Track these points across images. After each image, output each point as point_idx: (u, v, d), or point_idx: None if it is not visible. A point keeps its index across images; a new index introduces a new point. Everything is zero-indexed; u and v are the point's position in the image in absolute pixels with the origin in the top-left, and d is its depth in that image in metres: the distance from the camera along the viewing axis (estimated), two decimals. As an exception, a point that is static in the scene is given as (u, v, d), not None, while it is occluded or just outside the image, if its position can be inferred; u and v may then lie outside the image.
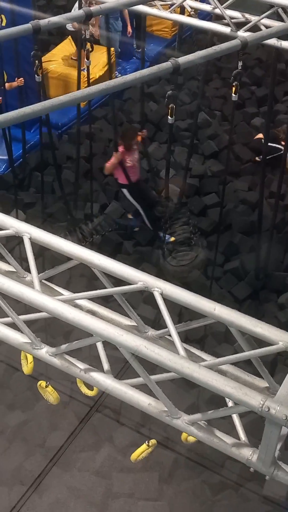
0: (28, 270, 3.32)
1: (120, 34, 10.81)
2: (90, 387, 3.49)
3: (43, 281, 3.35)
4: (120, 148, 7.33)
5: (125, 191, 7.65)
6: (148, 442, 3.70)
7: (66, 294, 3.38)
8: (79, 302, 3.40)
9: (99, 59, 9.90)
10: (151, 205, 7.68)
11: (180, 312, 6.35)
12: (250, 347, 2.92)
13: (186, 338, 6.50)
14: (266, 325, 2.86)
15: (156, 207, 7.63)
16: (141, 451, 3.74)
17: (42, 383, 3.79)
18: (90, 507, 5.40)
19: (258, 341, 2.94)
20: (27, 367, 3.54)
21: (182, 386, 6.05)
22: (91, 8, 5.18)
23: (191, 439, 3.59)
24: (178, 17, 6.19)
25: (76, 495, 5.47)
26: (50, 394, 3.75)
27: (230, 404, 2.94)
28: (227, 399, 2.93)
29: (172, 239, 7.55)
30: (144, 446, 3.71)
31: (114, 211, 8.27)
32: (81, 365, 3.17)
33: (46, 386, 3.77)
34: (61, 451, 5.70)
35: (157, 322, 6.24)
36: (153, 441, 3.74)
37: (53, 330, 6.42)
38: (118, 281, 3.18)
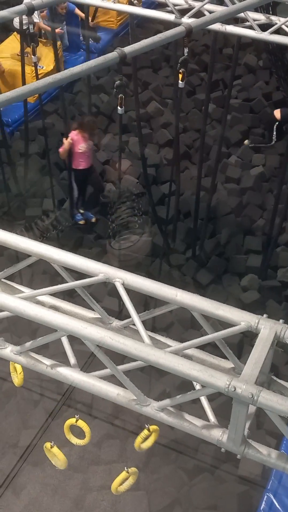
0: (-15, 270, 3.27)
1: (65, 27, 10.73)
2: (80, 436, 3.44)
3: (2, 280, 3.31)
4: (73, 135, 7.39)
5: (72, 175, 7.78)
6: (127, 469, 3.64)
7: (27, 291, 3.35)
8: (41, 298, 3.37)
9: (47, 54, 9.80)
10: (95, 193, 7.96)
11: (146, 302, 6.38)
12: (214, 330, 2.95)
13: (153, 327, 6.54)
14: (228, 307, 2.89)
15: (100, 195, 7.91)
16: (121, 479, 3.67)
17: (47, 444, 3.67)
18: (66, 502, 5.41)
19: (223, 325, 2.97)
20: (17, 378, 3.48)
21: (151, 375, 6.08)
22: (32, 1, 5.11)
23: (144, 446, 3.60)
24: (121, 6, 6.17)
25: (51, 490, 5.47)
26: (56, 456, 3.63)
27: (197, 387, 2.96)
28: (194, 383, 2.96)
29: (82, 221, 7.93)
30: (124, 474, 3.65)
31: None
32: (47, 361, 3.15)
33: (51, 447, 3.64)
34: (31, 448, 5.67)
35: (122, 313, 6.26)
36: (133, 469, 3.65)
37: (18, 329, 6.37)
38: (81, 275, 3.17)
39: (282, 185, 7.04)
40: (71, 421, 3.39)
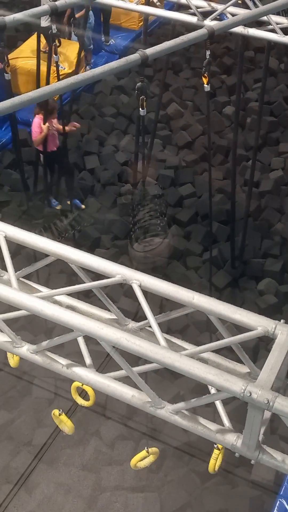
0: (5, 268, 3.30)
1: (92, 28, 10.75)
2: (85, 397, 3.48)
3: (20, 279, 3.34)
4: (39, 119, 7.49)
5: (43, 158, 7.87)
6: (148, 449, 3.69)
7: (45, 291, 3.37)
8: (58, 298, 3.39)
9: (71, 54, 9.84)
10: (69, 177, 8.05)
11: (161, 304, 6.38)
12: (230, 334, 2.94)
13: (168, 329, 6.54)
14: (245, 311, 2.88)
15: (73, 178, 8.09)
16: (140, 457, 3.73)
17: (56, 411, 3.75)
18: (78, 501, 5.42)
19: (239, 328, 2.96)
20: (13, 359, 3.52)
21: (166, 377, 6.08)
22: (56, 2, 5.14)
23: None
24: (143, 8, 6.17)
25: (64, 490, 5.48)
26: (64, 423, 3.71)
27: (212, 391, 2.96)
28: (209, 387, 2.95)
29: (59, 206, 8.06)
30: (143, 453, 3.71)
31: (90, 206, 8.26)
32: (63, 361, 3.17)
33: (60, 415, 3.72)
34: (46, 447, 5.69)
35: (138, 315, 6.27)
36: (153, 449, 3.72)
37: (34, 328, 6.40)
38: (97, 276, 3.18)
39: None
40: (77, 383, 3.44)
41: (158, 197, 6.79)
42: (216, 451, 3.32)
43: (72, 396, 3.48)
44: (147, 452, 3.73)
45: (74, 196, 8.15)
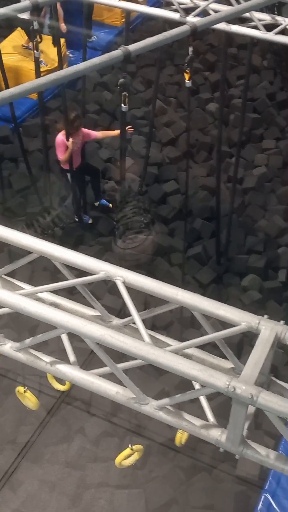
0: (-14, 266, 3.27)
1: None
2: (61, 382, 3.47)
3: (3, 276, 3.31)
4: (63, 136, 7.20)
5: (68, 176, 7.65)
6: (132, 446, 3.68)
7: (28, 288, 3.35)
8: (41, 295, 3.37)
9: (53, 50, 9.76)
10: (95, 179, 7.93)
11: (146, 301, 6.38)
12: (214, 330, 2.95)
13: (153, 325, 6.55)
14: (229, 307, 2.88)
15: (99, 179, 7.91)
16: (124, 455, 3.73)
17: (20, 388, 3.74)
18: (63, 499, 5.41)
19: (223, 324, 2.97)
20: None
21: (151, 373, 6.09)
22: (38, -2, 5.10)
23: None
24: (126, 4, 6.15)
25: (49, 487, 5.47)
26: (29, 399, 3.71)
27: (197, 386, 2.96)
28: (194, 382, 2.95)
29: (90, 221, 7.93)
30: (127, 450, 3.70)
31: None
32: (47, 358, 3.15)
33: (24, 392, 3.71)
34: (30, 445, 5.68)
35: (123, 312, 6.26)
36: (138, 446, 3.71)
37: (18, 326, 6.36)
38: (81, 273, 3.17)
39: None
40: None
41: (141, 194, 6.80)
42: (128, 450, 3.37)
43: (49, 381, 3.48)
44: (131, 449, 3.72)
45: (100, 197, 8.04)
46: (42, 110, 7.70)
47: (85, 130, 7.57)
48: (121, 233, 6.64)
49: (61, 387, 3.55)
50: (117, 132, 7.40)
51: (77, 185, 7.69)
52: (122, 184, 7.28)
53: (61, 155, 7.28)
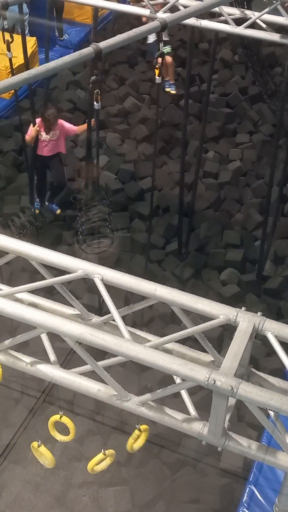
0: None
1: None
2: (64, 432, 3.42)
3: (-20, 278, 3.29)
4: (38, 122, 7.48)
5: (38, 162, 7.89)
6: (104, 451, 3.66)
7: (6, 289, 3.33)
8: (20, 296, 3.36)
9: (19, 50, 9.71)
10: (57, 186, 8.05)
11: (125, 298, 6.38)
12: (194, 324, 2.97)
13: (133, 322, 6.55)
14: (207, 301, 2.91)
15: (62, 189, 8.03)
16: (97, 460, 3.70)
17: (34, 444, 3.65)
18: (48, 498, 5.40)
19: (203, 319, 2.99)
20: None
21: (133, 370, 6.09)
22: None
23: (136, 446, 3.61)
24: (95, 1, 6.13)
25: (33, 488, 5.45)
26: (44, 455, 3.62)
27: (178, 381, 2.98)
28: (174, 377, 2.97)
29: (58, 211, 8.04)
30: (100, 456, 3.67)
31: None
32: (27, 359, 3.15)
33: (39, 446, 3.62)
34: (13, 446, 5.64)
35: (103, 310, 6.25)
36: (110, 451, 3.68)
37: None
38: (61, 273, 3.16)
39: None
40: (55, 417, 3.38)
41: (105, 198, 6.82)
42: (136, 432, 3.34)
43: (50, 432, 3.43)
44: (104, 454, 3.69)
45: (53, 201, 8.11)
46: (18, 109, 7.67)
47: (66, 124, 7.80)
48: (85, 237, 6.66)
49: (65, 438, 3.48)
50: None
51: (36, 171, 7.91)
52: (90, 186, 7.31)
53: (27, 135, 7.70)
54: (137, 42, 10.40)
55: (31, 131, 7.50)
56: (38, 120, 7.48)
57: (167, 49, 9.28)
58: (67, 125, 7.83)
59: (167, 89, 9.77)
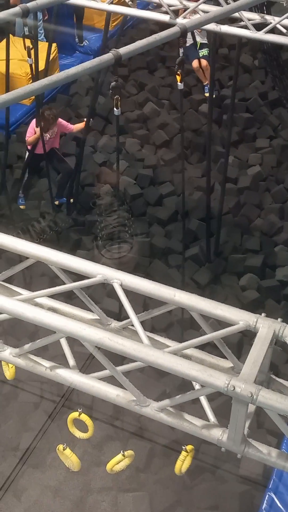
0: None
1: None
2: (83, 429, 3.45)
3: (0, 282, 3.31)
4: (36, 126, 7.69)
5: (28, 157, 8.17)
6: (123, 452, 3.68)
7: (26, 293, 3.35)
8: (39, 300, 3.38)
9: (41, 56, 9.79)
10: (64, 170, 8.26)
11: (144, 303, 6.38)
12: (213, 330, 2.95)
13: (152, 328, 6.55)
14: (226, 306, 2.89)
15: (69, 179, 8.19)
16: (116, 461, 3.72)
17: (60, 447, 3.69)
18: (66, 503, 5.40)
19: (222, 325, 2.97)
20: (9, 371, 3.49)
21: (152, 375, 6.08)
22: (27, 4, 5.12)
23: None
24: (115, 7, 6.16)
25: (52, 492, 5.46)
26: (70, 458, 3.66)
27: (197, 387, 2.96)
28: (194, 383, 2.96)
29: (23, 206, 8.25)
30: (119, 456, 3.70)
31: (69, 208, 8.24)
32: (46, 363, 3.16)
33: (64, 449, 3.66)
34: (33, 451, 5.66)
35: (122, 315, 6.26)
36: (129, 452, 3.70)
37: (17, 332, 6.37)
38: (80, 278, 3.17)
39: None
40: (74, 415, 3.39)
41: (124, 203, 6.84)
42: (184, 453, 3.34)
43: (69, 429, 3.45)
44: (123, 455, 3.71)
45: (61, 195, 8.27)
46: (39, 115, 7.73)
47: (63, 122, 8.17)
48: (105, 242, 6.69)
49: (83, 435, 3.50)
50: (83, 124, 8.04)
51: (31, 168, 8.23)
52: (112, 191, 7.34)
53: (27, 136, 8.00)
54: (156, 48, 10.43)
55: (37, 131, 7.69)
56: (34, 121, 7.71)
57: (204, 52, 9.29)
58: (64, 123, 8.19)
59: (206, 94, 9.74)
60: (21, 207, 8.27)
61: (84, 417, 3.34)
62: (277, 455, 2.72)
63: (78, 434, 3.47)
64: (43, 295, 3.18)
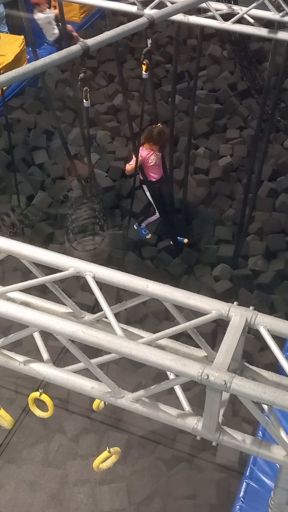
0: None
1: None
2: (43, 408, 3.44)
3: (-29, 277, 3.28)
4: (142, 151, 6.84)
5: (144, 187, 7.29)
6: (109, 449, 3.69)
7: (-3, 288, 3.32)
8: (12, 295, 3.35)
9: (7, 49, 9.71)
10: (168, 205, 7.45)
11: (118, 296, 6.38)
12: (186, 320, 2.97)
13: (127, 320, 6.56)
14: (199, 296, 2.91)
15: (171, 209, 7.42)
16: (102, 458, 3.73)
17: None
18: (44, 497, 5.39)
19: (196, 315, 2.98)
20: None
21: (127, 367, 6.10)
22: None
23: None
24: (83, -1, 6.12)
25: (30, 487, 5.45)
26: (3, 417, 3.64)
27: (171, 377, 2.98)
28: (168, 373, 2.97)
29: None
30: (105, 453, 3.70)
31: (41, 201, 8.18)
32: (20, 358, 3.14)
33: None
34: (7, 445, 5.63)
35: (96, 308, 6.25)
36: (115, 449, 3.71)
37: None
38: (53, 271, 3.15)
39: (251, 175, 7.07)
40: (35, 394, 3.39)
41: (95, 195, 6.78)
42: (106, 453, 3.39)
43: (30, 408, 3.44)
44: (109, 452, 3.72)
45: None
46: (5, 108, 7.64)
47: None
48: (76, 234, 6.63)
49: (43, 414, 3.50)
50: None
51: (151, 196, 7.24)
52: (80, 184, 7.24)
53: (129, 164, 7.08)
54: (125, 39, 10.39)
55: (133, 161, 6.73)
56: (142, 148, 6.77)
57: None
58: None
59: None
60: (148, 237, 7.66)
61: (44, 397, 3.34)
62: (251, 442, 2.76)
63: (38, 413, 3.47)
64: (15, 289, 3.15)
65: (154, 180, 7.10)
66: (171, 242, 7.62)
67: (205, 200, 8.23)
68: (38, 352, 3.26)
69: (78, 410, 5.90)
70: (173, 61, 6.55)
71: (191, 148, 8.74)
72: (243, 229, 7.32)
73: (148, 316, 6.76)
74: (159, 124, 7.03)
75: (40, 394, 3.33)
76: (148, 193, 7.28)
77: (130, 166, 7.00)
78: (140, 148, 6.74)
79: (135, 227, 7.71)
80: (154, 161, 6.99)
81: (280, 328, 2.78)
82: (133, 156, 6.83)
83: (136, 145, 6.58)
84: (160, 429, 5.59)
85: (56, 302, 3.39)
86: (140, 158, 6.76)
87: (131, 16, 5.91)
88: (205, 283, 7.19)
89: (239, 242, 7.36)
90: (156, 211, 7.39)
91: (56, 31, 10.19)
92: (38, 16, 10.02)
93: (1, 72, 6.42)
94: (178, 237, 7.63)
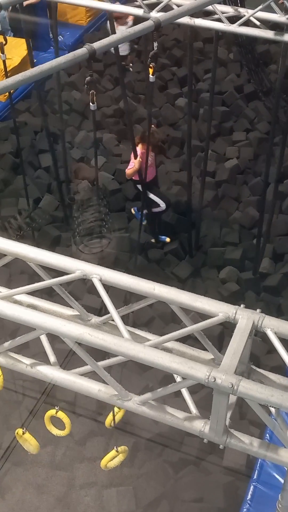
0: None
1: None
2: (60, 427, 3.44)
3: (-22, 280, 3.29)
4: (140, 150, 6.93)
5: (139, 187, 7.40)
6: (117, 448, 3.69)
7: (4, 291, 3.32)
8: (19, 298, 3.36)
9: (14, 52, 9.73)
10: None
11: (125, 298, 6.37)
12: (193, 323, 2.96)
13: (134, 323, 6.55)
14: (206, 299, 2.90)
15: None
16: (110, 457, 3.73)
17: (19, 431, 3.68)
18: (51, 500, 5.40)
19: (203, 317, 2.98)
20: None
21: (134, 370, 6.09)
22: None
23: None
24: (90, 2, 6.13)
25: (37, 490, 5.45)
26: (28, 442, 3.64)
27: (178, 379, 2.97)
28: (175, 376, 2.97)
29: (168, 239, 7.68)
30: (113, 452, 3.71)
31: (48, 204, 8.20)
32: (27, 361, 3.14)
33: (23, 434, 3.64)
34: (14, 448, 5.64)
35: (103, 311, 6.25)
36: (123, 448, 3.71)
37: (-2, 330, 6.34)
38: (60, 274, 3.16)
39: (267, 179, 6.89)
40: (51, 412, 3.38)
41: (101, 198, 6.78)
42: (113, 452, 3.39)
43: (46, 426, 3.44)
44: (117, 451, 3.72)
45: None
46: (13, 111, 7.66)
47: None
48: (82, 237, 6.64)
49: (60, 433, 3.50)
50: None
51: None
52: (87, 187, 7.24)
53: (127, 168, 7.13)
54: (131, 42, 10.41)
55: (135, 164, 6.84)
56: (138, 148, 6.86)
57: None
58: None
59: None
60: (167, 240, 7.70)
61: (61, 415, 3.33)
62: (259, 445, 2.75)
63: (55, 431, 3.47)
64: (22, 292, 3.16)
65: (147, 180, 7.07)
66: (152, 240, 7.73)
67: (211, 202, 8.22)
68: (45, 355, 3.26)
69: (85, 413, 5.90)
70: (188, 64, 6.50)
71: (197, 151, 8.76)
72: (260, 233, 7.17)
73: (154, 318, 6.75)
74: (152, 125, 7.06)
75: (57, 412, 3.32)
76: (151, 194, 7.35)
77: (130, 170, 7.04)
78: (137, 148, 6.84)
79: (133, 211, 7.79)
80: (149, 162, 6.93)
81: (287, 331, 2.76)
82: (131, 159, 6.90)
83: (135, 148, 6.63)
84: (167, 432, 5.58)
85: (63, 305, 3.39)
86: (140, 159, 6.80)
87: (136, 19, 5.92)
88: (212, 286, 7.18)
89: (258, 245, 7.20)
90: (160, 204, 7.43)
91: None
92: (120, 29, 9.92)
93: (8, 75, 6.45)
94: (161, 236, 7.73)
